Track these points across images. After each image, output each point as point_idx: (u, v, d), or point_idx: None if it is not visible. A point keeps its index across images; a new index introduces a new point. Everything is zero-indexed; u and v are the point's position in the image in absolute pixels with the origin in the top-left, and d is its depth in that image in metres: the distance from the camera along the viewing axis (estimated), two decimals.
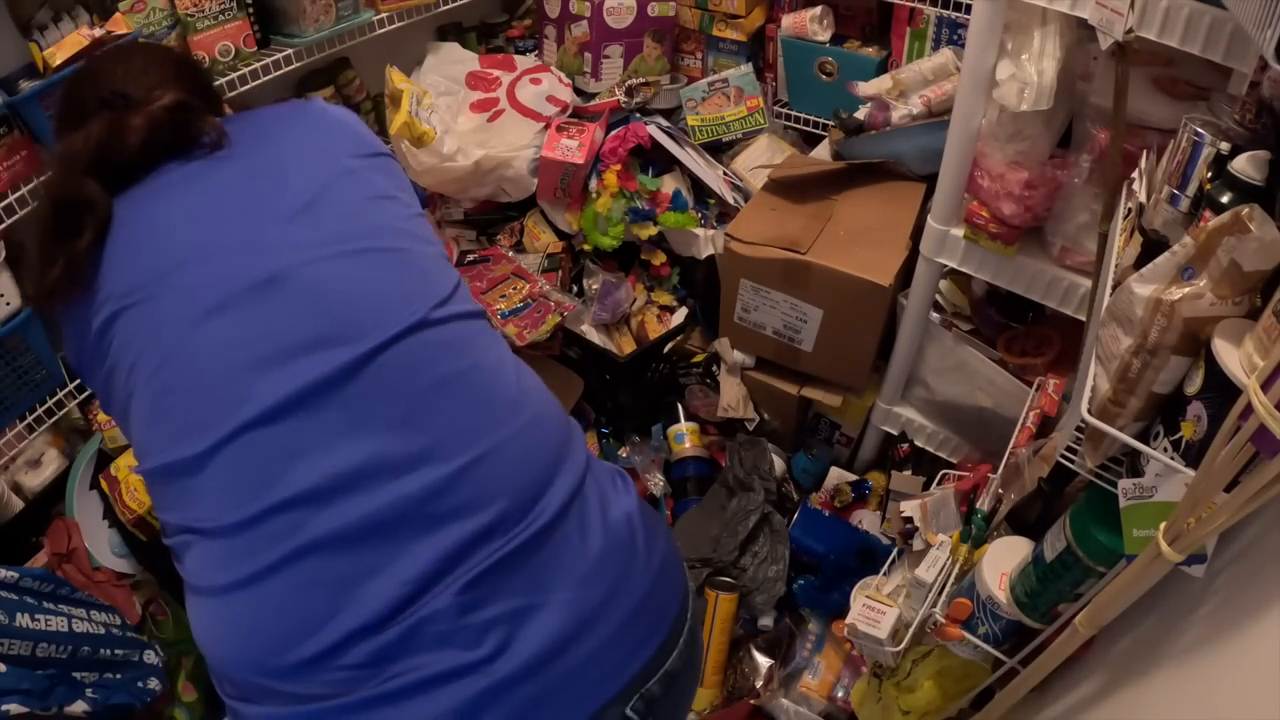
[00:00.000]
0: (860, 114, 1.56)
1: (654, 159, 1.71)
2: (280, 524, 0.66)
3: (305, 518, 0.66)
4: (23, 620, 1.02)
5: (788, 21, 1.69)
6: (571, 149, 1.62)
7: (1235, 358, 0.66)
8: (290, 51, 1.41)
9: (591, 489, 0.77)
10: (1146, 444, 0.77)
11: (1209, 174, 0.76)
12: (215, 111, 0.91)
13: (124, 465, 1.34)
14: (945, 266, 1.31)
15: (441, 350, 0.74)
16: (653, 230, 1.67)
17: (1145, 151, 0.93)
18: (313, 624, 0.65)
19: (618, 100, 1.72)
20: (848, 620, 1.21)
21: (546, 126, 1.67)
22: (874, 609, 1.19)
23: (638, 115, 1.75)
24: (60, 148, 0.83)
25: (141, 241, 0.76)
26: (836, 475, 1.68)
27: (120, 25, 1.19)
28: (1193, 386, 0.72)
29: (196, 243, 0.74)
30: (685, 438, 1.74)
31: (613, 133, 1.68)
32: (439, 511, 0.68)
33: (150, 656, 1.20)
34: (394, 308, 0.74)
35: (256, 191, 0.78)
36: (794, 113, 1.81)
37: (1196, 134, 0.78)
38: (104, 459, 1.39)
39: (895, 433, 1.60)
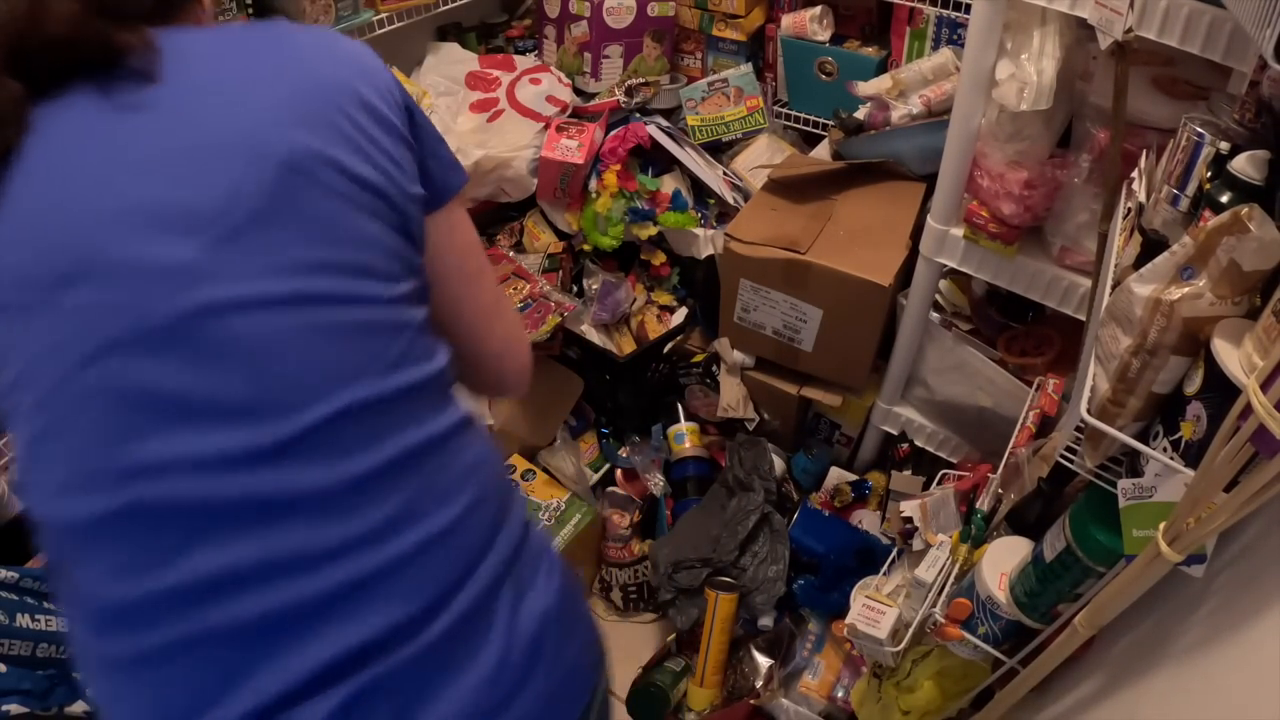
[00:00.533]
0: (860, 114, 1.56)
1: (654, 159, 1.71)
2: (166, 611, 0.58)
3: (194, 608, 0.58)
4: (23, 620, 1.02)
5: (787, 21, 1.69)
6: (571, 149, 1.62)
7: (1235, 358, 0.66)
8: None
9: (509, 584, 0.69)
10: (1146, 444, 0.77)
11: (1209, 174, 0.76)
12: (167, 17, 0.67)
13: None
14: (945, 266, 1.31)
15: (378, 433, 0.63)
16: (653, 230, 1.67)
17: (1145, 151, 0.93)
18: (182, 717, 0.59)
19: (618, 100, 1.72)
20: (848, 620, 1.21)
21: (546, 126, 1.67)
22: (874, 609, 1.19)
23: (638, 115, 1.75)
24: None
25: (41, 206, 0.59)
26: (836, 475, 1.68)
27: None
28: (1192, 386, 0.72)
29: (103, 246, 0.58)
30: (685, 438, 1.74)
31: (612, 133, 1.68)
32: (341, 611, 0.60)
33: None
34: (330, 381, 0.61)
35: (186, 186, 0.59)
36: (794, 113, 1.81)
37: (1196, 133, 0.78)
38: None
39: (895, 433, 1.60)
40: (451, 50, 1.80)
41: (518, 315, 0.86)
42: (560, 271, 1.75)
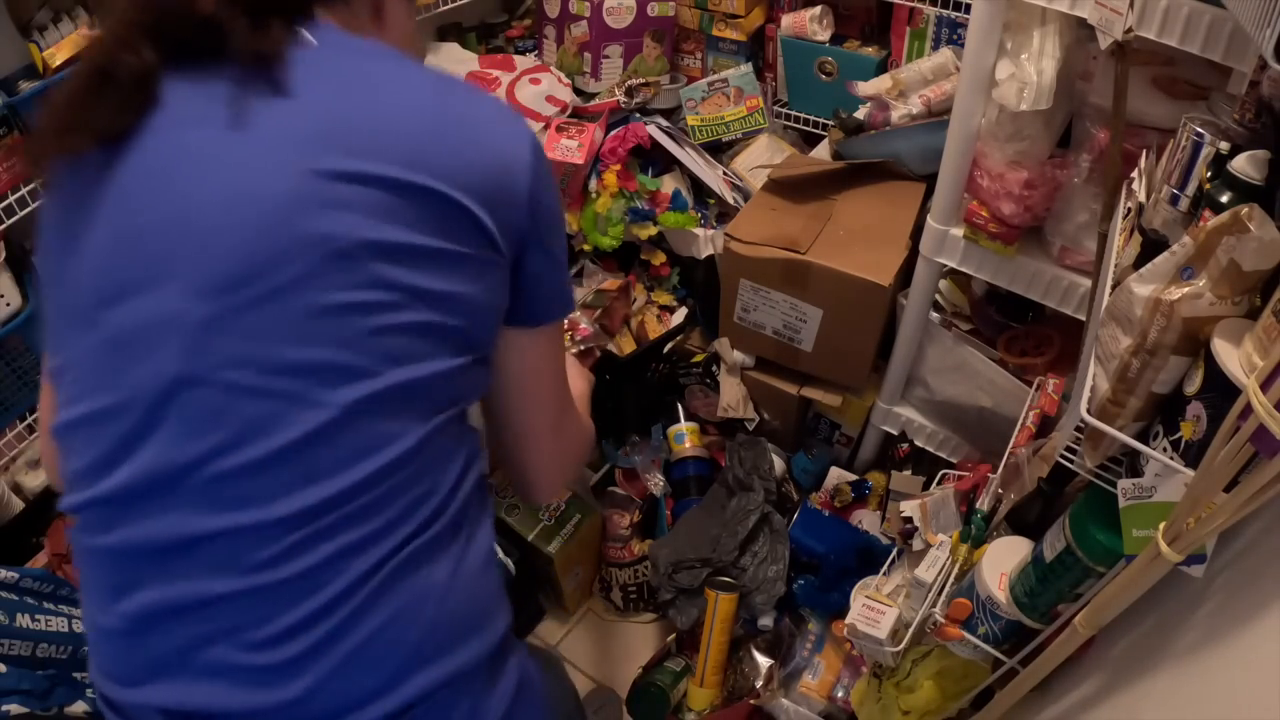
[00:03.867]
0: (860, 114, 1.55)
1: (654, 159, 1.71)
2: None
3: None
4: (23, 620, 1.02)
5: (787, 21, 1.69)
6: (571, 149, 1.62)
7: (1234, 358, 0.66)
8: None
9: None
10: (1146, 444, 0.77)
11: (1208, 173, 0.76)
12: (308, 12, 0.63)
13: None
14: (945, 266, 1.31)
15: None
16: (653, 230, 1.67)
17: (1145, 151, 0.93)
18: None
19: (617, 100, 1.72)
20: (847, 620, 1.21)
21: (546, 126, 1.66)
22: (874, 609, 1.18)
23: (638, 115, 1.75)
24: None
25: (130, 207, 0.59)
26: (836, 475, 1.68)
27: None
28: (1192, 386, 0.72)
29: (139, 272, 0.58)
30: (685, 438, 1.74)
31: (612, 133, 1.68)
32: None
33: None
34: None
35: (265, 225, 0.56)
36: (794, 113, 1.81)
37: (1196, 133, 0.78)
38: None
39: (895, 433, 1.60)
40: (451, 50, 1.80)
41: (575, 444, 0.82)
42: None
